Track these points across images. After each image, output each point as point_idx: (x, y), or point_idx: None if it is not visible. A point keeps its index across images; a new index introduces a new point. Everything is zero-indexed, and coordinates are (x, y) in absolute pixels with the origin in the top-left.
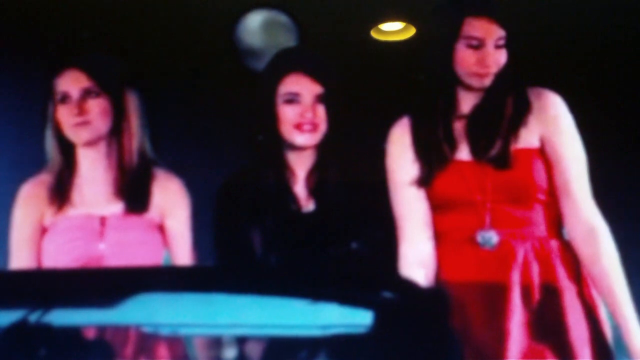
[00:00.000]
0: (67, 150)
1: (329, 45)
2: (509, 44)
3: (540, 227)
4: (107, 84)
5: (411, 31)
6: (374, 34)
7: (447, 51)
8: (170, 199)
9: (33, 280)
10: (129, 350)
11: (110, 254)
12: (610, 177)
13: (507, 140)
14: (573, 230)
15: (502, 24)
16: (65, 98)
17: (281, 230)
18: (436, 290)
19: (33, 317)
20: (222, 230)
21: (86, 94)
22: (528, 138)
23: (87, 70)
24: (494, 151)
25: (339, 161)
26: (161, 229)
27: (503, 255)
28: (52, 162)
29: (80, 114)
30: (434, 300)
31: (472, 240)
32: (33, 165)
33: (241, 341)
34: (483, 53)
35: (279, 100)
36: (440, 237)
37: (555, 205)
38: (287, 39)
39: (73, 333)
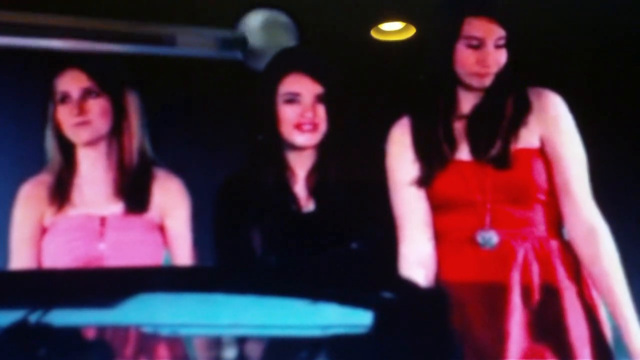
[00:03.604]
0: (67, 150)
1: (329, 45)
2: (509, 44)
3: (540, 227)
4: (107, 84)
5: (411, 31)
6: (374, 34)
7: (447, 51)
8: (170, 199)
9: (33, 280)
10: (129, 350)
11: (110, 254)
12: (610, 177)
13: (507, 140)
14: (573, 230)
15: (502, 23)
16: (65, 98)
17: (281, 230)
18: (436, 290)
19: (33, 317)
20: (222, 230)
21: (86, 94)
22: (528, 138)
23: (87, 70)
24: (494, 151)
25: (339, 161)
26: (161, 229)
27: (503, 255)
28: (52, 162)
29: (80, 114)
30: (434, 300)
31: (472, 241)
32: (33, 165)
33: (241, 341)
34: (483, 53)
35: (279, 100)
36: (440, 237)
37: (555, 205)
38: (287, 39)
39: (73, 333)
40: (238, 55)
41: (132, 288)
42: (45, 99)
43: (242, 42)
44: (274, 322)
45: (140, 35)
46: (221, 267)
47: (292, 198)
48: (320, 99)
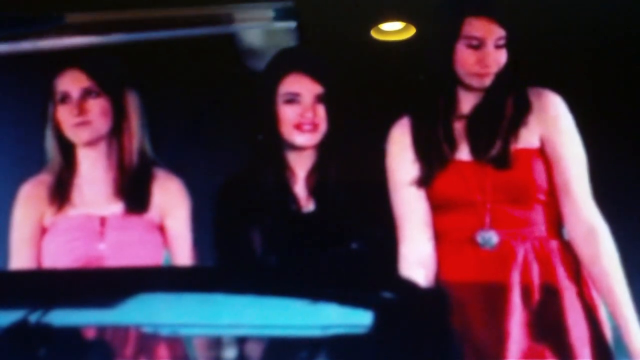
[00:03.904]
0: (67, 150)
1: (329, 45)
2: (509, 44)
3: (540, 227)
4: (107, 84)
5: (411, 31)
6: (374, 34)
7: (447, 51)
8: (170, 199)
9: (33, 280)
10: (129, 350)
11: (110, 254)
12: (610, 177)
13: (507, 140)
14: (573, 230)
15: (502, 23)
16: (65, 98)
17: (281, 230)
18: (436, 290)
19: (33, 317)
20: (222, 230)
21: (86, 94)
22: (528, 138)
23: (87, 70)
24: (494, 151)
25: (339, 161)
26: (161, 229)
27: (503, 255)
28: (52, 162)
29: (80, 114)
30: (434, 300)
31: (472, 241)
32: (33, 165)
33: (241, 341)
34: (483, 53)
35: (279, 100)
36: (440, 237)
37: (555, 205)
38: (287, 39)
39: (73, 333)
40: (292, 24)
41: (132, 288)
42: (45, 99)
43: (295, 12)
44: (274, 322)
45: (201, 18)
46: (221, 267)
47: (292, 198)
48: (320, 99)
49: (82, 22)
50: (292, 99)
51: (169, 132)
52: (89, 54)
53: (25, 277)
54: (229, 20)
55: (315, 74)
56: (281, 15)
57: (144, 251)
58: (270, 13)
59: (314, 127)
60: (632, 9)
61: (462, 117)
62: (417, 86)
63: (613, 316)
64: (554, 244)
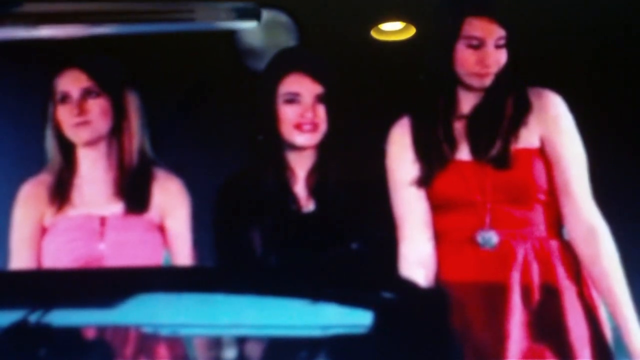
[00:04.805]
0: (67, 150)
1: (329, 45)
2: (509, 44)
3: (540, 227)
4: (107, 84)
5: (411, 31)
6: (374, 34)
7: (447, 51)
8: (170, 199)
9: (33, 280)
10: (129, 350)
11: (110, 254)
12: (610, 177)
13: (507, 140)
14: (573, 230)
15: (502, 23)
16: (65, 98)
17: (281, 230)
18: (436, 290)
19: (33, 317)
20: (222, 230)
21: (86, 94)
22: (528, 138)
23: (87, 70)
24: (494, 151)
25: (339, 161)
26: (161, 229)
27: (503, 255)
28: (52, 162)
29: (80, 114)
30: (434, 300)
31: (472, 241)
32: (33, 165)
33: (241, 341)
34: (483, 53)
35: (279, 100)
36: (440, 237)
37: (555, 205)
38: (287, 39)
39: (73, 333)
40: (254, 24)
41: (132, 288)
42: (45, 99)
43: (257, 12)
44: (274, 322)
45: (161, 13)
46: (221, 267)
47: (292, 198)
48: (320, 99)
49: (35, 11)
50: (292, 99)
51: (169, 132)
52: (88, 54)
53: (25, 277)
54: (190, 17)
55: (315, 74)
56: (243, 15)
57: (144, 251)
58: (232, 12)
59: (314, 127)
60: (632, 9)
61: (462, 117)
62: (417, 86)
63: (613, 316)
64: (554, 244)
